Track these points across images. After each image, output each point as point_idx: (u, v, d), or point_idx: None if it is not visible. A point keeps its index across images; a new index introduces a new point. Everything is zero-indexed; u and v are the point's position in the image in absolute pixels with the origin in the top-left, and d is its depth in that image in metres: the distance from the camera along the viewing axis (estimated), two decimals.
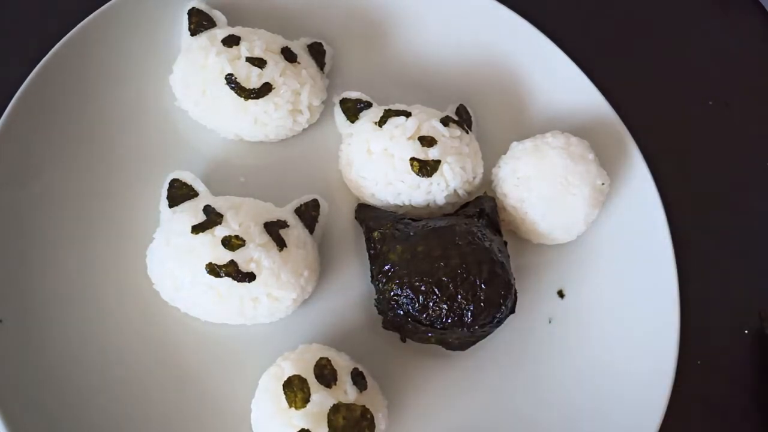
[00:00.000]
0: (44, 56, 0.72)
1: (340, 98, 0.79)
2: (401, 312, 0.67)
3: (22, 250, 0.67)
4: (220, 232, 0.64)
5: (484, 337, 0.71)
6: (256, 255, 0.64)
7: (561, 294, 0.78)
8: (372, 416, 0.61)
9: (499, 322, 0.69)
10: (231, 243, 0.64)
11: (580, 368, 0.74)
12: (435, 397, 0.71)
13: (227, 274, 0.63)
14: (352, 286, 0.74)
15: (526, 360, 0.74)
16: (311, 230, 0.72)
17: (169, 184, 0.70)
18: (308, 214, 0.72)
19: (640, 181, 0.80)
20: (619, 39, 0.99)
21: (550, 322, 0.76)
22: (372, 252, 0.72)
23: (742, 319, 0.84)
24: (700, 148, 0.94)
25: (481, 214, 0.73)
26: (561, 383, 0.73)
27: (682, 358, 0.73)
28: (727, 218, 0.90)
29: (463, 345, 0.71)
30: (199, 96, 0.74)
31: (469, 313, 0.66)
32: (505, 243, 0.74)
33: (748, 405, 0.80)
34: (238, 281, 0.63)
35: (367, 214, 0.75)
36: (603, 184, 0.75)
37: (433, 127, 0.74)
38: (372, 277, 0.71)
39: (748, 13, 1.04)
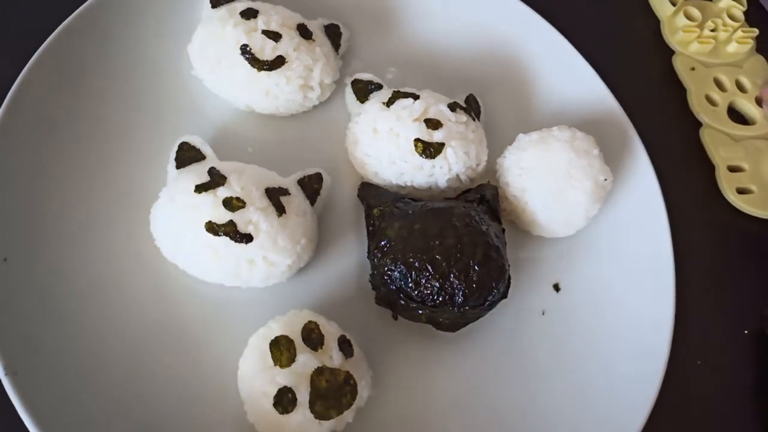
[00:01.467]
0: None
1: (352, 79, 0.81)
2: (393, 287, 0.67)
3: (33, 191, 0.68)
4: (222, 192, 0.66)
5: (475, 319, 0.71)
6: (255, 218, 0.65)
7: (557, 287, 0.78)
8: (355, 382, 0.61)
9: (491, 306, 0.69)
10: (231, 204, 0.65)
11: (569, 361, 0.74)
12: (421, 374, 0.70)
13: (225, 234, 0.64)
14: (349, 261, 0.75)
15: (515, 348, 0.74)
16: (312, 202, 0.73)
17: (179, 146, 0.72)
18: (311, 186, 0.73)
19: (643, 179, 0.81)
20: (628, 36, 1.00)
21: (543, 314, 0.76)
22: (371, 228, 0.72)
23: (742, 319, 0.83)
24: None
25: (482, 200, 0.74)
26: (548, 375, 0.73)
27: (682, 358, 0.73)
28: (727, 218, 0.90)
29: (454, 326, 0.71)
30: (214, 65, 0.76)
31: (460, 293, 0.66)
32: (503, 230, 0.74)
33: (748, 405, 0.79)
34: (235, 241, 0.64)
35: (369, 192, 0.76)
36: (605, 180, 0.75)
37: (440, 110, 0.75)
38: (368, 252, 0.71)
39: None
